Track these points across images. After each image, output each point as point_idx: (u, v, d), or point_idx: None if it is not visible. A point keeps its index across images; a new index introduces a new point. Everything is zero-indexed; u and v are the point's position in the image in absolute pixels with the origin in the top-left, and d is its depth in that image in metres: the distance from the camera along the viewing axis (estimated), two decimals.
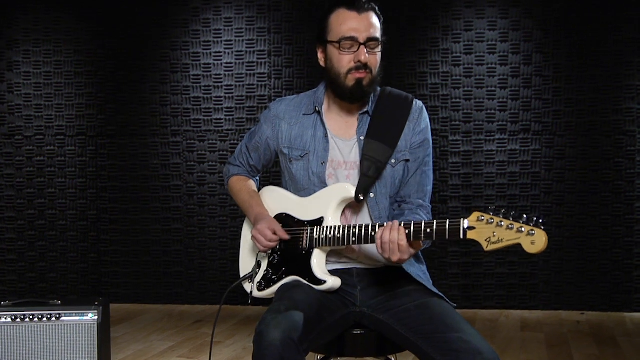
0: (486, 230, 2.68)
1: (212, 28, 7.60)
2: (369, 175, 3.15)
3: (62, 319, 4.82)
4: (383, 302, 3.14)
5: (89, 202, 7.81)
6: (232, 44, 7.58)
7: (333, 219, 3.14)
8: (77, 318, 4.83)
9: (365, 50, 3.12)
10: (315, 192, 3.24)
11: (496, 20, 7.26)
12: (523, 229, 2.60)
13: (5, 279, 7.89)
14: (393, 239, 2.86)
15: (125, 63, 7.73)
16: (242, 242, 3.49)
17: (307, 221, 3.20)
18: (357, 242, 3.03)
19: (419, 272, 3.21)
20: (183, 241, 7.71)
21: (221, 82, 7.60)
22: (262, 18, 7.55)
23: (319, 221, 3.16)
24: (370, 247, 3.16)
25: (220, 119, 7.61)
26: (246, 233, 3.47)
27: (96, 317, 4.84)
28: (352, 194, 3.12)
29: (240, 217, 7.45)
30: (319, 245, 3.13)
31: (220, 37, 7.59)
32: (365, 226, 3.01)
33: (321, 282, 3.10)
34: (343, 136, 3.27)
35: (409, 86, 7.32)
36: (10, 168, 7.84)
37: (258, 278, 3.28)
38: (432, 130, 3.34)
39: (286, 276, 3.20)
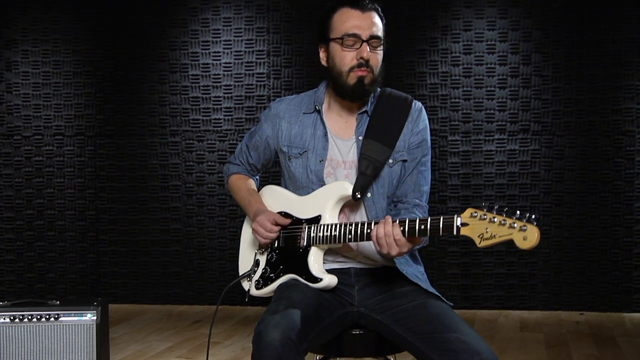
0: (479, 226, 2.70)
1: (211, 28, 7.59)
2: (367, 174, 3.15)
3: (60, 319, 4.81)
4: (381, 302, 3.13)
5: (87, 202, 7.81)
6: (231, 44, 7.58)
7: (330, 217, 3.15)
8: (75, 318, 4.82)
9: (368, 47, 3.13)
10: (313, 190, 3.24)
11: (495, 20, 7.26)
12: (515, 225, 2.61)
13: (3, 279, 7.88)
14: (388, 233, 2.86)
15: (124, 63, 7.73)
16: (241, 241, 3.49)
17: (305, 219, 3.20)
18: (353, 240, 3.04)
19: (417, 272, 3.21)
20: (182, 241, 7.70)
21: (220, 82, 7.60)
22: (261, 18, 7.54)
23: (317, 219, 3.16)
24: (368, 246, 3.16)
25: (219, 119, 7.60)
26: (246, 232, 3.47)
27: (95, 318, 4.83)
28: (350, 192, 3.12)
29: (239, 217, 7.45)
30: (316, 243, 3.13)
31: (219, 37, 7.59)
32: (362, 224, 3.01)
33: (317, 279, 3.10)
34: (342, 136, 3.27)
35: (408, 86, 7.32)
36: (9, 168, 7.84)
37: (256, 276, 3.28)
38: (431, 130, 3.35)
39: (284, 274, 3.20)
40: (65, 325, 4.81)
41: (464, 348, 2.77)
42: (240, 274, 3.39)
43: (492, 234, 2.67)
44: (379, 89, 3.32)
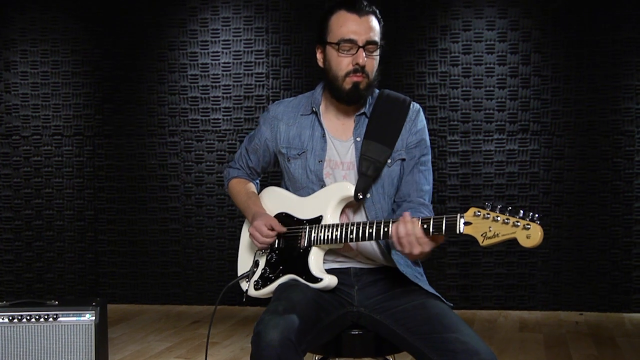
0: (482, 225, 2.71)
1: (210, 28, 7.59)
2: (368, 175, 3.15)
3: (59, 319, 4.81)
4: (380, 302, 3.13)
5: (86, 202, 7.80)
6: (230, 44, 7.57)
7: (332, 218, 3.14)
8: (74, 318, 4.82)
9: (364, 53, 3.12)
10: (313, 190, 3.24)
11: (495, 20, 7.25)
12: (519, 224, 2.63)
13: (2, 280, 7.88)
14: (409, 232, 2.83)
15: (122, 63, 7.72)
16: (241, 242, 3.49)
17: (306, 220, 3.20)
18: (355, 240, 3.03)
19: (416, 273, 3.20)
20: (181, 241, 7.69)
21: (219, 82, 7.59)
22: (260, 18, 7.53)
23: (318, 220, 3.16)
24: (368, 246, 3.17)
25: (218, 119, 7.60)
26: (245, 233, 3.46)
27: (93, 318, 4.83)
28: (352, 192, 3.12)
29: (238, 217, 7.44)
30: (317, 244, 3.13)
31: (218, 37, 7.58)
32: (363, 224, 3.00)
33: (317, 280, 3.10)
34: (340, 137, 3.27)
35: (407, 86, 7.31)
36: (7, 168, 7.83)
37: (255, 277, 3.28)
38: (430, 130, 3.35)
39: (283, 275, 3.19)
40: (64, 325, 4.81)
41: (463, 348, 2.77)
42: (239, 274, 3.38)
43: (496, 233, 2.67)
44: (377, 91, 3.32)
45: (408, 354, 3.03)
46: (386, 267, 3.22)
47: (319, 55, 3.27)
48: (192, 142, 7.64)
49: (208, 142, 7.62)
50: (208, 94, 7.61)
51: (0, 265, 7.87)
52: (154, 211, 7.72)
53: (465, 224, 2.74)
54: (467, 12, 7.29)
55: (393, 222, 2.91)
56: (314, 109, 3.31)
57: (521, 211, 2.65)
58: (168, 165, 7.68)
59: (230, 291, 3.39)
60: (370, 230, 2.98)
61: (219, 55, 7.59)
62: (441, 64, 7.33)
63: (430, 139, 3.32)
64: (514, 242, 2.64)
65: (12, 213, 7.86)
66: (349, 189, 3.13)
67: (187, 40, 7.62)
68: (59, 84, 7.79)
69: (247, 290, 3.29)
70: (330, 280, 3.10)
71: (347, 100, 3.20)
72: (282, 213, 3.28)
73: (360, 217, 3.23)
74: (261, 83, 7.55)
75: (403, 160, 3.23)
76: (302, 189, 3.28)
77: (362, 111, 3.25)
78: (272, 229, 3.20)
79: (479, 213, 2.71)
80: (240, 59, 7.56)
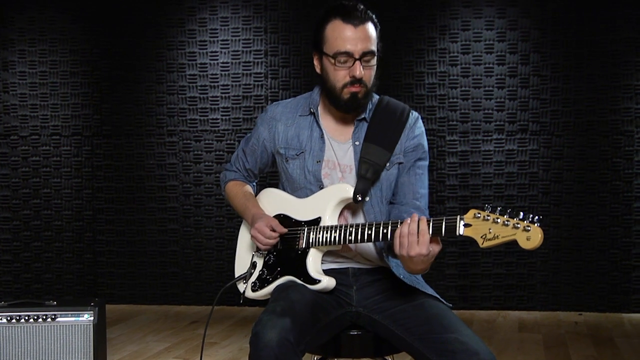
0: (482, 227, 2.70)
1: (208, 27, 7.58)
2: (367, 178, 3.13)
3: (57, 319, 4.80)
4: (379, 302, 3.13)
5: (84, 202, 7.79)
6: (228, 44, 7.56)
7: (330, 219, 3.13)
8: (72, 319, 4.81)
9: (361, 64, 3.10)
10: (311, 191, 3.23)
11: (493, 20, 7.25)
12: (519, 226, 2.63)
13: (0, 280, 7.86)
14: (413, 230, 2.81)
15: (121, 63, 7.71)
16: (238, 243, 3.48)
17: (305, 221, 3.19)
18: (353, 242, 3.02)
19: (412, 277, 3.18)
20: (179, 241, 7.69)
21: (217, 82, 7.58)
22: (259, 17, 7.52)
23: (316, 221, 3.15)
24: (367, 247, 3.17)
25: (217, 119, 7.59)
26: (243, 234, 3.46)
27: (92, 318, 4.82)
28: (351, 194, 3.11)
29: (236, 217, 7.43)
30: (316, 245, 3.12)
31: (217, 37, 7.57)
32: (362, 225, 2.99)
33: (316, 281, 3.09)
34: (338, 138, 3.26)
35: (406, 86, 7.30)
36: (6, 168, 7.82)
37: (253, 278, 3.27)
38: (429, 130, 3.35)
39: (281, 276, 3.18)
40: (62, 325, 4.80)
41: (462, 348, 2.77)
42: (237, 275, 3.37)
43: (496, 235, 2.67)
44: (377, 97, 3.31)
45: (407, 355, 3.02)
46: (385, 268, 3.21)
47: (315, 62, 3.24)
48: (190, 142, 7.63)
49: (207, 142, 7.61)
50: (207, 93, 7.60)
51: None
52: (153, 211, 7.71)
53: (465, 225, 2.74)
54: (466, 11, 7.28)
55: (393, 223, 2.90)
56: (312, 110, 3.29)
57: (521, 213, 2.65)
58: (166, 165, 7.67)
59: (229, 292, 3.39)
60: (369, 232, 2.97)
61: (217, 55, 7.58)
62: (440, 64, 7.32)
63: (429, 139, 3.31)
64: (513, 243, 2.63)
65: (11, 213, 7.85)
66: (348, 191, 3.12)
67: (186, 40, 7.61)
68: (58, 83, 7.78)
69: (244, 291, 3.28)
70: (328, 282, 3.09)
71: (345, 109, 3.19)
72: (280, 214, 3.27)
73: (358, 220, 3.22)
74: (260, 83, 7.54)
75: (400, 163, 3.22)
76: (300, 190, 3.26)
77: (362, 116, 3.24)
78: (274, 230, 3.19)
79: (479, 215, 2.71)
80: (239, 58, 7.56)
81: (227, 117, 7.58)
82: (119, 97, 7.72)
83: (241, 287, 3.31)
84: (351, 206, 3.20)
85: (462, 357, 2.75)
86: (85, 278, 7.82)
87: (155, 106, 7.67)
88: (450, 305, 3.09)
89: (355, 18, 3.09)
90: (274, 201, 3.35)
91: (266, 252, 3.26)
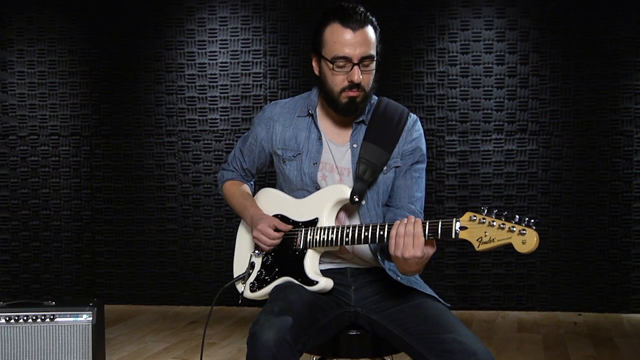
0: (478, 230, 2.69)
1: (207, 27, 7.57)
2: (364, 179, 3.12)
3: (56, 320, 4.79)
4: (377, 302, 3.12)
5: (83, 202, 7.78)
6: (227, 44, 7.56)
7: (327, 220, 3.12)
8: (71, 319, 4.81)
9: (359, 69, 3.07)
10: (308, 192, 3.22)
11: (493, 20, 7.24)
12: (514, 229, 2.61)
13: None
14: (409, 232, 2.80)
15: (119, 62, 7.71)
16: (237, 243, 3.47)
17: (302, 222, 3.18)
18: (350, 243, 3.01)
19: (411, 277, 3.18)
20: (178, 242, 7.68)
21: (216, 82, 7.58)
22: (258, 17, 7.52)
23: (314, 222, 3.14)
24: (364, 249, 3.16)
25: (216, 119, 7.58)
26: (242, 234, 3.45)
27: (90, 318, 4.81)
28: (348, 195, 3.09)
29: (235, 217, 7.42)
30: (313, 246, 3.11)
31: (216, 37, 7.57)
32: (359, 227, 2.98)
33: (313, 282, 3.08)
34: (336, 141, 3.25)
35: (405, 85, 7.30)
36: (4, 168, 7.81)
37: (251, 279, 3.26)
38: (428, 130, 3.33)
39: (279, 277, 3.18)
40: (61, 326, 4.80)
41: (460, 349, 2.76)
42: (235, 276, 3.36)
43: (491, 238, 2.66)
44: (376, 98, 3.29)
45: (405, 355, 3.02)
46: (383, 268, 3.19)
47: (314, 64, 3.21)
48: (189, 142, 7.62)
49: (205, 142, 7.60)
50: (205, 93, 7.59)
51: None
52: (151, 211, 7.71)
53: (461, 228, 2.72)
54: (465, 11, 7.28)
55: (390, 225, 2.89)
56: (310, 111, 3.28)
57: (517, 216, 2.63)
58: (165, 166, 7.66)
59: (227, 292, 3.38)
60: (366, 234, 2.96)
61: (216, 55, 7.57)
62: (439, 64, 7.31)
63: (428, 139, 3.31)
64: (509, 247, 2.63)
65: (9, 213, 7.84)
66: (345, 192, 3.10)
67: (185, 40, 7.60)
68: (56, 83, 7.77)
69: (242, 292, 3.28)
70: (326, 283, 3.08)
71: (343, 112, 3.17)
72: (277, 215, 3.26)
73: (356, 222, 3.20)
74: (259, 83, 7.53)
75: (397, 167, 3.21)
76: (297, 191, 3.26)
77: (360, 119, 3.22)
78: (277, 230, 3.18)
79: (475, 217, 2.70)
80: (237, 58, 7.55)
81: (226, 117, 7.57)
82: (118, 97, 7.72)
83: (240, 287, 3.30)
84: (348, 208, 3.20)
85: (460, 357, 2.74)
86: (84, 278, 7.82)
87: (154, 106, 7.67)
88: (449, 305, 3.08)
89: (354, 21, 3.06)
90: (272, 201, 3.34)
91: (264, 253, 3.25)
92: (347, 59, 3.06)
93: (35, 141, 7.80)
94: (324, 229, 3.08)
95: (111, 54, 7.72)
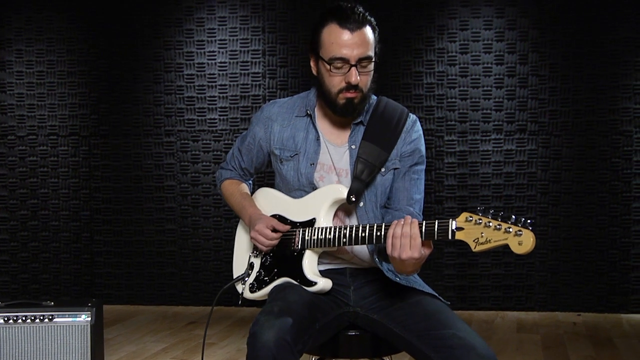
0: (474, 230, 2.68)
1: (206, 27, 7.56)
2: (362, 179, 3.11)
3: (54, 320, 4.78)
4: (376, 302, 3.12)
5: (82, 202, 7.77)
6: (226, 44, 7.55)
7: (325, 220, 3.12)
8: (70, 319, 4.79)
9: (357, 70, 3.05)
10: (305, 193, 3.21)
11: (492, 20, 7.23)
12: (511, 230, 2.61)
13: None
14: (405, 233, 2.80)
15: (118, 62, 7.70)
16: (235, 244, 3.47)
17: (299, 222, 3.17)
18: (347, 243, 3.01)
19: (410, 278, 3.17)
20: (177, 242, 7.67)
21: (215, 82, 7.57)
22: (257, 17, 7.51)
23: (311, 222, 3.14)
24: (363, 250, 3.15)
25: (214, 119, 7.57)
26: (240, 234, 3.45)
27: (89, 319, 4.80)
28: (344, 195, 3.08)
29: (234, 217, 7.41)
30: (311, 247, 3.10)
31: (214, 37, 7.56)
32: (356, 227, 2.98)
33: (312, 283, 3.08)
34: (335, 142, 3.23)
35: (404, 86, 7.29)
36: (3, 168, 7.80)
37: (250, 279, 3.26)
38: (428, 130, 3.32)
39: (278, 278, 3.17)
40: (60, 326, 4.79)
41: (459, 344, 2.76)
42: (235, 276, 3.36)
43: (488, 239, 2.65)
44: (375, 98, 3.28)
45: (405, 355, 3.01)
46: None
47: (312, 64, 3.20)
48: (188, 142, 7.62)
49: (204, 142, 7.59)
50: (204, 93, 7.58)
51: None
52: (150, 211, 7.70)
53: (457, 229, 2.72)
54: (464, 11, 7.27)
55: (387, 226, 2.88)
56: (308, 111, 3.27)
57: (513, 217, 2.62)
58: (164, 166, 7.65)
59: (227, 292, 3.38)
60: (364, 235, 2.95)
61: (215, 55, 7.56)
62: (438, 64, 7.31)
63: (427, 139, 3.30)
64: (506, 248, 2.62)
65: (8, 213, 7.83)
66: (342, 192, 3.10)
67: (183, 39, 7.59)
68: (55, 83, 7.76)
69: (242, 292, 3.27)
70: (324, 284, 3.08)
71: (341, 113, 3.15)
72: (275, 215, 3.26)
73: (354, 223, 3.20)
74: (258, 83, 7.53)
75: (396, 169, 3.20)
76: (294, 191, 3.25)
77: (359, 120, 3.21)
78: (275, 230, 3.17)
79: (471, 218, 2.69)
80: (236, 58, 7.54)
81: (225, 117, 7.56)
82: (117, 97, 7.71)
83: (239, 288, 3.30)
84: (345, 208, 3.19)
85: (460, 352, 2.74)
86: (83, 278, 7.81)
87: (152, 106, 7.66)
88: (448, 302, 3.08)
89: (352, 22, 3.04)
90: (270, 201, 3.33)
91: (263, 253, 3.25)
92: (344, 60, 3.04)
93: (34, 141, 7.79)
94: (322, 229, 3.07)
95: (110, 54, 7.71)
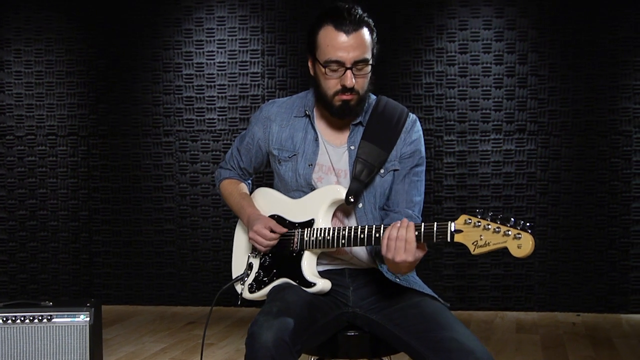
0: (473, 233, 2.68)
1: (205, 27, 7.56)
2: (360, 180, 3.10)
3: (53, 320, 4.78)
4: (375, 302, 3.12)
5: (80, 202, 7.76)
6: (225, 43, 7.54)
7: (324, 221, 3.11)
8: (68, 319, 4.79)
9: (352, 73, 3.03)
10: (303, 193, 3.21)
11: (491, 20, 7.23)
12: (510, 233, 2.60)
13: None
14: (401, 236, 2.80)
15: (117, 62, 7.69)
16: (234, 244, 3.46)
17: (298, 223, 3.17)
18: (346, 245, 3.00)
19: (409, 278, 3.17)
20: (175, 242, 7.66)
21: (214, 82, 7.56)
22: (256, 17, 7.50)
23: (310, 223, 3.13)
24: (362, 251, 3.15)
25: (213, 119, 7.57)
26: (239, 234, 3.45)
27: (88, 319, 4.80)
28: (343, 195, 3.08)
29: (233, 217, 7.41)
30: (309, 247, 3.10)
31: (213, 36, 7.55)
32: (355, 229, 2.97)
33: (311, 284, 3.08)
34: (333, 142, 3.22)
35: (403, 85, 7.28)
36: (1, 168, 7.79)
37: (249, 280, 3.25)
38: (427, 130, 3.31)
39: (277, 278, 3.17)
40: (58, 326, 4.79)
41: (458, 347, 2.76)
42: (234, 277, 3.35)
43: (487, 242, 2.65)
44: (375, 97, 3.27)
45: (404, 355, 3.01)
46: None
47: (310, 65, 3.18)
48: (187, 142, 7.61)
49: (203, 142, 7.59)
50: (203, 93, 7.58)
51: None
52: (149, 211, 7.69)
53: (456, 231, 2.72)
54: (463, 11, 7.26)
55: (386, 227, 2.87)
56: (307, 112, 3.26)
57: (512, 219, 2.62)
58: (163, 166, 7.64)
59: (226, 292, 3.37)
60: (362, 236, 2.95)
61: (214, 55, 7.56)
62: (437, 64, 7.30)
63: (426, 139, 3.28)
64: (505, 251, 2.62)
65: (6, 213, 7.82)
66: (340, 192, 3.09)
67: (182, 39, 7.59)
68: (53, 83, 7.75)
69: (241, 292, 3.26)
70: (323, 285, 3.07)
71: (338, 115, 3.14)
72: (274, 215, 3.25)
73: (353, 224, 3.19)
74: (256, 83, 7.52)
75: (396, 170, 3.18)
76: (293, 192, 3.24)
77: (357, 120, 3.20)
78: (273, 231, 3.16)
79: (470, 221, 2.69)
80: (235, 58, 7.53)
81: (224, 117, 7.55)
82: (115, 97, 7.70)
83: (239, 288, 3.29)
84: (344, 209, 3.18)
85: (458, 355, 2.74)
86: (81, 278, 7.80)
87: (151, 106, 7.65)
88: (448, 304, 3.07)
89: (347, 24, 3.01)
90: (269, 201, 3.33)
91: (262, 254, 3.24)
92: (339, 63, 3.03)
93: (33, 141, 7.78)
94: (321, 230, 3.07)
95: (108, 54, 7.71)
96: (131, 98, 7.67)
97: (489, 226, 2.64)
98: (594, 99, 7.13)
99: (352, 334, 3.14)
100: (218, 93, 7.56)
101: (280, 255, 3.18)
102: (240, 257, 3.39)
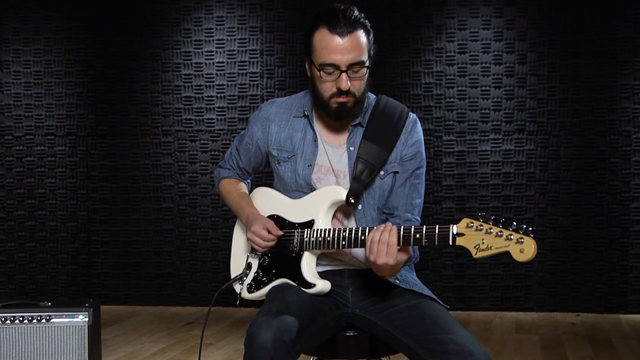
0: (475, 237, 2.69)
1: (204, 27, 7.55)
2: (361, 180, 3.09)
3: (52, 320, 4.77)
4: (375, 304, 3.11)
5: (79, 202, 7.76)
6: (223, 43, 7.53)
7: (324, 222, 3.10)
8: (67, 320, 4.79)
9: (348, 76, 3.02)
10: (303, 194, 3.20)
11: (490, 19, 7.22)
12: (512, 237, 2.61)
13: None
14: (383, 240, 2.82)
15: (115, 62, 7.68)
16: (233, 243, 3.45)
17: (298, 223, 3.16)
18: (347, 246, 3.00)
19: (409, 279, 3.16)
20: (174, 242, 7.66)
21: (213, 82, 7.55)
22: (254, 17, 7.50)
23: (310, 223, 3.12)
24: (361, 252, 3.13)
25: (212, 119, 7.56)
26: (238, 234, 3.44)
27: (87, 319, 4.79)
28: (343, 196, 3.07)
29: (232, 217, 7.40)
30: (309, 248, 3.09)
31: (212, 36, 7.54)
32: (355, 229, 2.97)
33: (311, 285, 3.07)
34: (333, 143, 3.21)
35: (403, 85, 7.28)
36: (0, 168, 7.78)
37: (248, 280, 3.24)
38: (426, 130, 3.29)
39: (276, 278, 3.16)
40: (57, 326, 4.78)
41: (457, 350, 2.75)
42: (232, 277, 3.34)
43: (489, 246, 2.66)
44: (374, 97, 3.25)
45: (403, 356, 3.00)
46: None
47: (307, 66, 3.17)
48: (186, 142, 7.60)
49: (202, 142, 7.58)
50: (202, 93, 7.57)
51: None
52: (148, 212, 7.68)
53: (458, 234, 2.73)
54: (462, 11, 7.26)
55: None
56: (305, 112, 3.25)
57: (514, 223, 2.63)
58: (162, 166, 7.64)
59: (225, 292, 3.36)
60: (362, 237, 2.95)
61: (213, 55, 7.55)
62: (436, 64, 7.29)
63: (426, 139, 3.27)
64: (507, 255, 2.62)
65: (5, 214, 7.82)
66: (340, 193, 3.08)
67: (181, 39, 7.58)
68: (52, 83, 7.75)
69: (240, 292, 3.25)
70: (323, 286, 3.07)
71: (335, 117, 3.13)
72: (273, 215, 3.24)
73: (353, 224, 3.19)
74: (255, 83, 7.51)
75: (396, 172, 3.17)
76: (292, 192, 3.24)
77: (357, 121, 3.18)
78: (271, 232, 3.15)
79: (472, 224, 2.69)
80: (234, 58, 7.53)
81: (223, 117, 7.55)
82: (114, 97, 7.69)
83: (237, 288, 3.28)
84: (344, 210, 3.17)
85: (457, 358, 2.74)
86: (80, 279, 7.79)
87: (150, 106, 7.65)
88: (448, 306, 3.07)
89: (342, 27, 2.99)
90: (268, 201, 3.32)
91: (261, 254, 3.23)
92: (334, 66, 3.01)
93: (31, 141, 7.77)
94: (321, 231, 3.06)
95: (107, 54, 7.70)
96: (130, 98, 7.67)
97: (491, 230, 2.64)
98: (593, 99, 7.12)
99: (351, 334, 3.13)
100: (217, 93, 7.56)
101: (280, 256, 3.17)
102: (239, 257, 3.38)
